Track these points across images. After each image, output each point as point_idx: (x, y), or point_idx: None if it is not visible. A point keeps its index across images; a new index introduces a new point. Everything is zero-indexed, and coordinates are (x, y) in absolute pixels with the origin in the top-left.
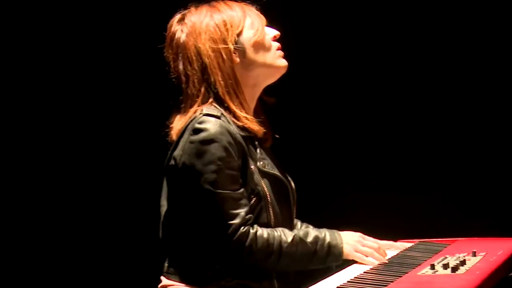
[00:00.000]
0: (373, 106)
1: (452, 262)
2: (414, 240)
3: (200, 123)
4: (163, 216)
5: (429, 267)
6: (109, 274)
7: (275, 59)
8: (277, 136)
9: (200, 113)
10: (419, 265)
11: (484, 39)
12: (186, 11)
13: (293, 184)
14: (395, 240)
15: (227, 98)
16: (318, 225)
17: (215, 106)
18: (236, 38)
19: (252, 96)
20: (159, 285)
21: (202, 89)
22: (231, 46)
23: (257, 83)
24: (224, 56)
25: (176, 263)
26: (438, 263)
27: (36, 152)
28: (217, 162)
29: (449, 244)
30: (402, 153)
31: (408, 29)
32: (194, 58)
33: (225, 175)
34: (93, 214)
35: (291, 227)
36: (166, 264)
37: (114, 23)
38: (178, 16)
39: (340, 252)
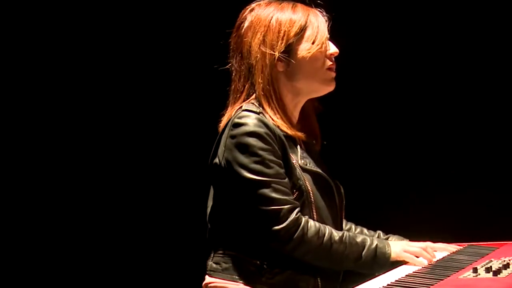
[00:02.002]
0: (423, 111)
1: (496, 265)
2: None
3: (239, 118)
4: (208, 215)
5: (472, 270)
6: (156, 272)
7: (322, 79)
8: (324, 142)
9: (240, 109)
10: (463, 268)
11: None
12: (258, 3)
13: (342, 189)
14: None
15: (263, 101)
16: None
17: (254, 104)
18: (285, 47)
19: (295, 104)
20: (203, 283)
21: (246, 86)
22: (277, 54)
23: (299, 94)
24: (267, 61)
25: (219, 260)
26: (482, 266)
27: (79, 153)
28: (260, 152)
29: (498, 248)
30: (456, 155)
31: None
32: (245, 54)
33: (269, 164)
34: (140, 215)
35: (337, 228)
36: (209, 262)
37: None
38: (252, 6)
39: (387, 256)
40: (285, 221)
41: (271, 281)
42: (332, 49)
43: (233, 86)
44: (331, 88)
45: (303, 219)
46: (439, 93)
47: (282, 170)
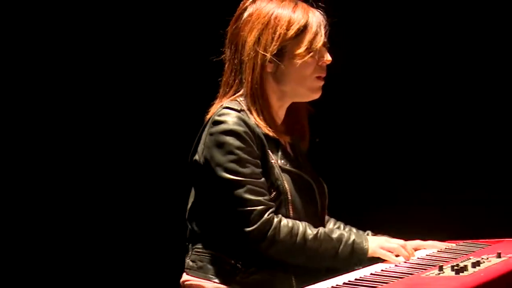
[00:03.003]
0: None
1: (465, 263)
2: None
3: (219, 115)
4: (187, 212)
5: (438, 268)
6: (135, 269)
7: (308, 87)
8: (317, 139)
9: (221, 106)
10: (434, 266)
11: None
12: None
13: (325, 187)
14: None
15: (249, 100)
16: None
17: (239, 102)
18: (277, 50)
19: (279, 105)
20: (180, 280)
21: (236, 81)
22: (268, 55)
23: (285, 96)
24: (258, 61)
25: (195, 258)
26: (451, 264)
27: (68, 153)
28: (236, 151)
29: (490, 245)
30: (455, 155)
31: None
32: (240, 49)
33: (245, 164)
34: (122, 212)
35: (316, 226)
36: (187, 260)
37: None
38: None
39: (364, 251)
40: (257, 222)
41: (246, 281)
42: (326, 57)
43: (224, 78)
44: (316, 96)
45: (275, 219)
46: (438, 92)
47: (258, 170)
